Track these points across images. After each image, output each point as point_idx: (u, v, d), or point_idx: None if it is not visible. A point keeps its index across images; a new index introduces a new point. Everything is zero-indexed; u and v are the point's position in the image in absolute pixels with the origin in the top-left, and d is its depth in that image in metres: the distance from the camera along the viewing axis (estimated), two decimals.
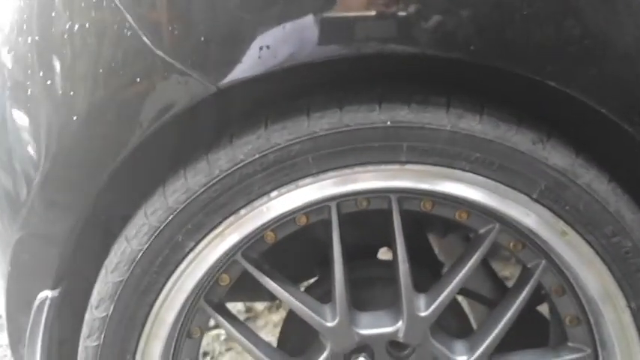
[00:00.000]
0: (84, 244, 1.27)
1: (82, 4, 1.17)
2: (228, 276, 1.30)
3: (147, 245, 1.21)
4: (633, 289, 1.23)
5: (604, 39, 1.12)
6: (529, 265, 1.30)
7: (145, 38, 1.12)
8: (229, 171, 1.18)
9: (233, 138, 1.19)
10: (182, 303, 1.26)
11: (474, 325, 1.58)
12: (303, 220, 1.26)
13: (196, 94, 1.13)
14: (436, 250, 1.79)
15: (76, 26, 1.17)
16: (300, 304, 1.29)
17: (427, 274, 1.42)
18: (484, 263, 1.62)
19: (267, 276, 1.28)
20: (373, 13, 1.10)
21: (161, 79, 1.14)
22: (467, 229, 1.36)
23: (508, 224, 1.24)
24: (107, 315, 1.25)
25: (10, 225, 1.31)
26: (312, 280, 1.62)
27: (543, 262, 1.28)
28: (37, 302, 1.28)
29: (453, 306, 1.38)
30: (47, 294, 1.28)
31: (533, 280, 1.29)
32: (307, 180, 1.19)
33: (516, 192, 1.19)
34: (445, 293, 1.28)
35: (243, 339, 1.34)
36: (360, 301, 1.33)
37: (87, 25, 1.16)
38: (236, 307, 2.58)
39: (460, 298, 1.61)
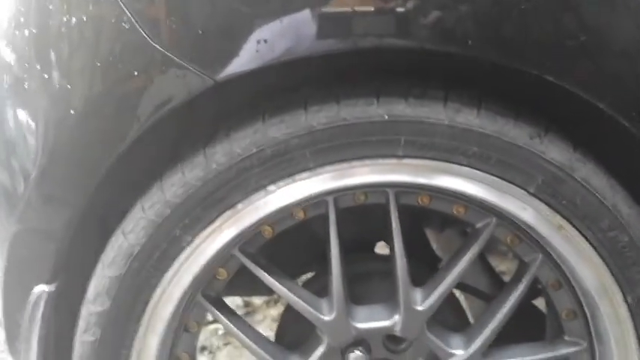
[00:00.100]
0: (81, 238, 1.26)
1: None
2: (226, 270, 1.30)
3: (144, 239, 1.21)
4: (630, 283, 1.24)
5: (602, 33, 1.12)
6: (526, 260, 1.30)
7: (142, 32, 1.12)
8: (226, 165, 1.18)
9: (230, 132, 1.19)
10: (179, 297, 1.26)
11: (471, 320, 1.58)
12: (300, 215, 1.26)
13: (194, 88, 1.12)
14: (434, 246, 1.79)
15: (74, 19, 1.17)
16: (297, 299, 1.29)
17: (424, 269, 1.42)
18: (481, 258, 1.63)
19: (265, 270, 1.28)
20: (371, 7, 1.10)
21: (159, 73, 1.14)
22: (464, 224, 1.36)
23: (505, 218, 1.24)
24: (104, 310, 1.25)
25: (6, 219, 1.30)
26: (309, 275, 1.62)
27: (540, 256, 1.28)
28: (33, 297, 1.28)
29: (450, 300, 1.38)
30: (44, 288, 1.28)
31: (530, 274, 1.29)
32: (305, 174, 1.19)
33: (513, 186, 1.19)
34: (442, 287, 1.28)
35: (240, 333, 1.34)
36: (357, 295, 1.33)
37: (84, 19, 1.16)
38: (234, 301, 2.58)
39: (458, 293, 1.61)
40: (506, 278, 1.70)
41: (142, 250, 1.22)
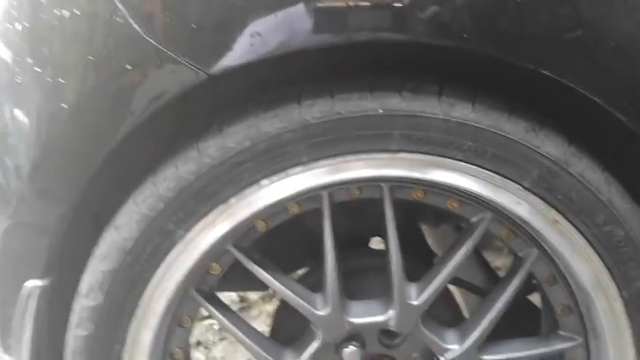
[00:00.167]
0: (74, 233, 1.26)
1: None
2: (219, 265, 1.29)
3: (137, 233, 1.21)
4: (625, 278, 1.24)
5: (598, 27, 1.12)
6: (520, 254, 1.30)
7: (136, 26, 1.11)
8: (220, 159, 1.17)
9: (224, 126, 1.18)
10: (173, 292, 1.25)
11: (466, 315, 1.58)
12: (294, 209, 1.25)
13: (187, 82, 1.12)
14: (429, 241, 1.79)
15: (67, 13, 1.16)
16: (291, 293, 1.29)
17: (419, 264, 1.42)
18: (476, 253, 1.62)
19: (259, 265, 1.28)
20: (366, 0, 1.09)
21: (152, 67, 1.13)
22: (459, 219, 1.35)
23: (500, 213, 1.24)
24: (97, 304, 1.25)
25: None
26: (304, 270, 1.61)
27: (535, 251, 1.28)
28: (26, 291, 1.27)
29: (444, 295, 1.38)
30: (37, 283, 1.27)
31: (525, 269, 1.29)
32: (298, 168, 1.18)
33: (508, 181, 1.19)
34: (436, 282, 1.28)
35: (233, 328, 1.33)
36: (351, 290, 1.33)
37: (77, 12, 1.16)
38: (230, 296, 2.58)
39: (453, 288, 1.61)
40: (502, 274, 1.70)
41: (135, 244, 1.21)
